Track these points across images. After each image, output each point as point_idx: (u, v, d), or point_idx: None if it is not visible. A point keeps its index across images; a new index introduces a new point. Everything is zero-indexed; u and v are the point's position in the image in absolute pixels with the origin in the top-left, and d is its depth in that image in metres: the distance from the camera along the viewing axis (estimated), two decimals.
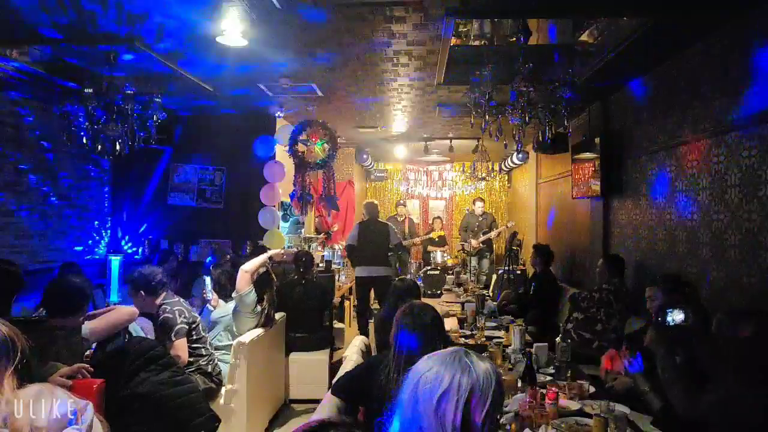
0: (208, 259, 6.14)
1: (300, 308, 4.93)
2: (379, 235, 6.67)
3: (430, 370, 1.23)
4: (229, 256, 5.80)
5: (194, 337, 3.52)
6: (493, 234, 9.14)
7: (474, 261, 9.06)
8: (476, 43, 4.02)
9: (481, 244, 9.10)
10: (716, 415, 2.07)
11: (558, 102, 3.37)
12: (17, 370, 1.48)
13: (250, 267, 4.04)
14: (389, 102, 5.79)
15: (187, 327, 3.44)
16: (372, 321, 6.24)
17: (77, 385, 2.21)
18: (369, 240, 6.62)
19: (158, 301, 3.44)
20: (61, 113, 4.10)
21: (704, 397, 2.15)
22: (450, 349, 1.30)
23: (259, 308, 4.03)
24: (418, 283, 6.13)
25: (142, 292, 3.38)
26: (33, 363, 1.59)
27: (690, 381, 2.30)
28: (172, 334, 3.35)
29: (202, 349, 3.59)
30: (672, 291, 3.11)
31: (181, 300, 3.60)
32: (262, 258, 4.19)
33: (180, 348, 3.35)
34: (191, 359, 3.47)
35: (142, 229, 6.64)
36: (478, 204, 9.49)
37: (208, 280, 4.56)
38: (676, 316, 2.56)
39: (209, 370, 3.58)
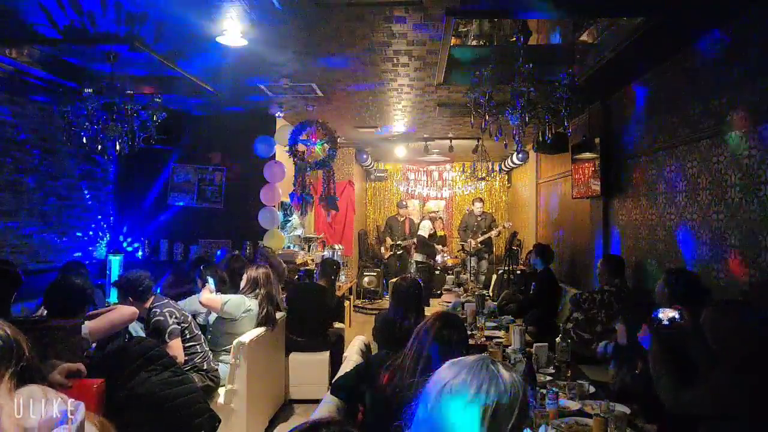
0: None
1: (315, 315, 4.97)
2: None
3: (455, 377, 1.19)
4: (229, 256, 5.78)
5: (187, 336, 3.53)
6: (492, 233, 9.15)
7: (473, 261, 9.07)
8: (476, 43, 4.03)
9: (479, 244, 9.11)
10: (701, 408, 2.09)
11: (558, 102, 3.36)
12: (18, 373, 1.47)
13: (202, 300, 3.95)
14: (389, 102, 5.79)
15: (179, 327, 3.44)
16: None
17: (77, 385, 2.21)
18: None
19: (147, 305, 3.44)
20: (61, 113, 4.10)
21: (689, 391, 2.17)
22: (476, 356, 1.26)
23: (253, 309, 4.04)
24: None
25: (131, 298, 3.37)
26: (36, 366, 1.58)
27: (677, 375, 2.32)
28: (166, 336, 3.35)
29: (197, 347, 3.60)
30: (675, 283, 3.13)
31: (170, 301, 3.61)
32: (209, 287, 4.02)
33: (175, 348, 3.36)
34: (186, 358, 3.47)
35: (141, 229, 6.64)
36: (477, 204, 9.50)
37: (210, 280, 4.56)
38: (669, 314, 2.57)
39: (205, 367, 3.59)
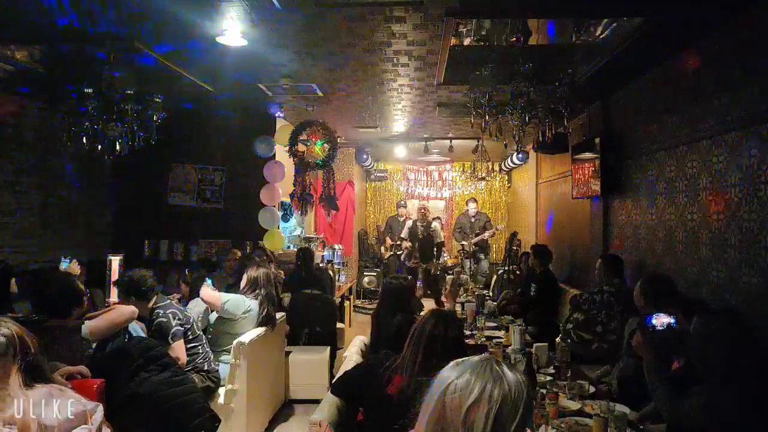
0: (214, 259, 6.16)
1: (305, 299, 5.12)
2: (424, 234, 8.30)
3: (459, 377, 1.17)
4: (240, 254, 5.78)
5: (190, 337, 3.52)
6: (486, 235, 9.14)
7: (469, 263, 9.06)
8: (476, 43, 4.02)
9: (473, 246, 9.10)
10: (699, 419, 2.08)
11: (558, 102, 3.37)
12: (25, 369, 1.49)
13: (202, 294, 3.93)
14: (389, 102, 5.79)
15: (182, 329, 3.44)
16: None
17: (77, 385, 2.21)
18: (416, 238, 8.29)
19: (150, 305, 3.43)
20: (61, 113, 4.10)
21: (686, 402, 2.16)
22: (480, 356, 1.24)
23: (253, 309, 4.03)
24: (417, 282, 6.17)
25: (133, 297, 3.36)
26: (44, 364, 1.59)
27: (674, 385, 2.30)
28: (169, 338, 3.34)
29: (199, 347, 3.60)
30: (651, 289, 3.15)
31: (173, 302, 3.60)
32: (207, 284, 4.00)
33: (178, 350, 3.35)
34: (188, 358, 3.47)
35: (141, 229, 6.63)
36: (471, 205, 9.52)
37: (209, 281, 4.55)
38: (663, 320, 2.56)
39: (206, 367, 3.59)
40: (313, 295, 5.31)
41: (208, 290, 3.93)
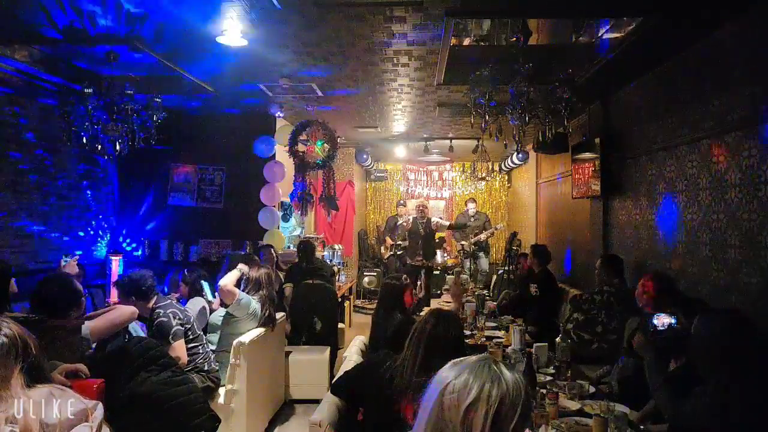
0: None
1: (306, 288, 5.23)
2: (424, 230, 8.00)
3: (458, 377, 1.18)
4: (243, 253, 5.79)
5: (190, 337, 3.51)
6: (483, 236, 9.14)
7: (468, 263, 9.06)
8: (476, 43, 4.02)
9: (472, 245, 9.10)
10: (700, 420, 2.08)
11: (558, 102, 3.36)
12: (27, 370, 1.50)
13: (223, 283, 3.86)
14: (389, 102, 5.79)
15: (182, 328, 3.43)
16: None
17: (77, 385, 2.21)
18: (418, 235, 7.97)
19: (150, 304, 3.43)
20: (61, 113, 4.10)
21: (688, 402, 2.15)
22: (477, 356, 1.25)
23: (259, 310, 4.02)
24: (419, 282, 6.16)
25: (134, 297, 3.35)
26: (44, 364, 1.60)
27: (675, 387, 2.30)
28: (170, 337, 3.34)
29: (199, 348, 3.59)
30: (652, 289, 3.15)
31: (173, 302, 3.59)
32: (235, 273, 3.97)
33: (179, 349, 3.34)
34: (189, 358, 3.47)
35: (141, 229, 6.64)
36: (471, 205, 9.54)
37: (206, 286, 4.54)
38: (664, 320, 2.55)
39: (206, 368, 3.58)
40: (315, 285, 5.38)
41: (231, 282, 3.86)
